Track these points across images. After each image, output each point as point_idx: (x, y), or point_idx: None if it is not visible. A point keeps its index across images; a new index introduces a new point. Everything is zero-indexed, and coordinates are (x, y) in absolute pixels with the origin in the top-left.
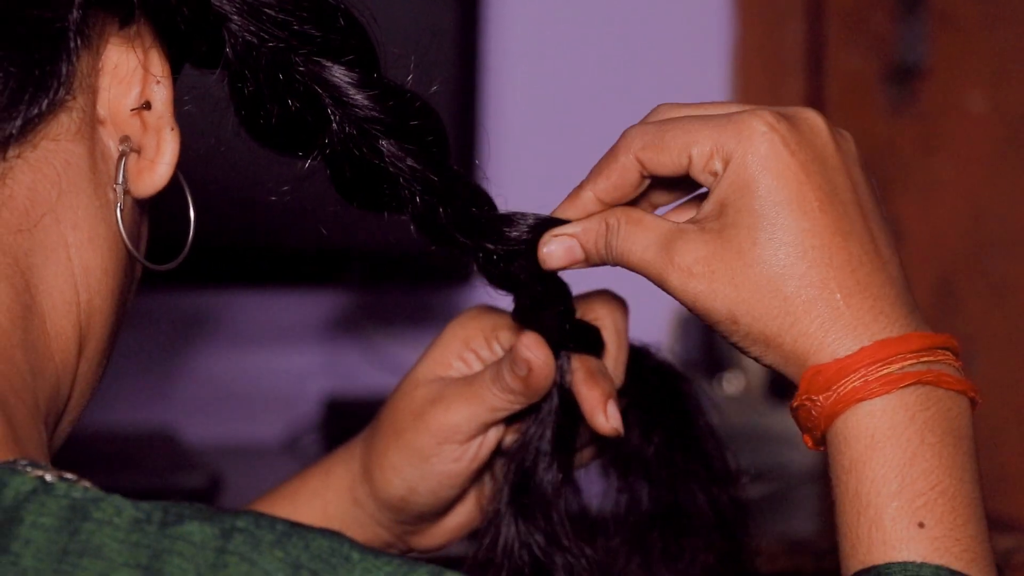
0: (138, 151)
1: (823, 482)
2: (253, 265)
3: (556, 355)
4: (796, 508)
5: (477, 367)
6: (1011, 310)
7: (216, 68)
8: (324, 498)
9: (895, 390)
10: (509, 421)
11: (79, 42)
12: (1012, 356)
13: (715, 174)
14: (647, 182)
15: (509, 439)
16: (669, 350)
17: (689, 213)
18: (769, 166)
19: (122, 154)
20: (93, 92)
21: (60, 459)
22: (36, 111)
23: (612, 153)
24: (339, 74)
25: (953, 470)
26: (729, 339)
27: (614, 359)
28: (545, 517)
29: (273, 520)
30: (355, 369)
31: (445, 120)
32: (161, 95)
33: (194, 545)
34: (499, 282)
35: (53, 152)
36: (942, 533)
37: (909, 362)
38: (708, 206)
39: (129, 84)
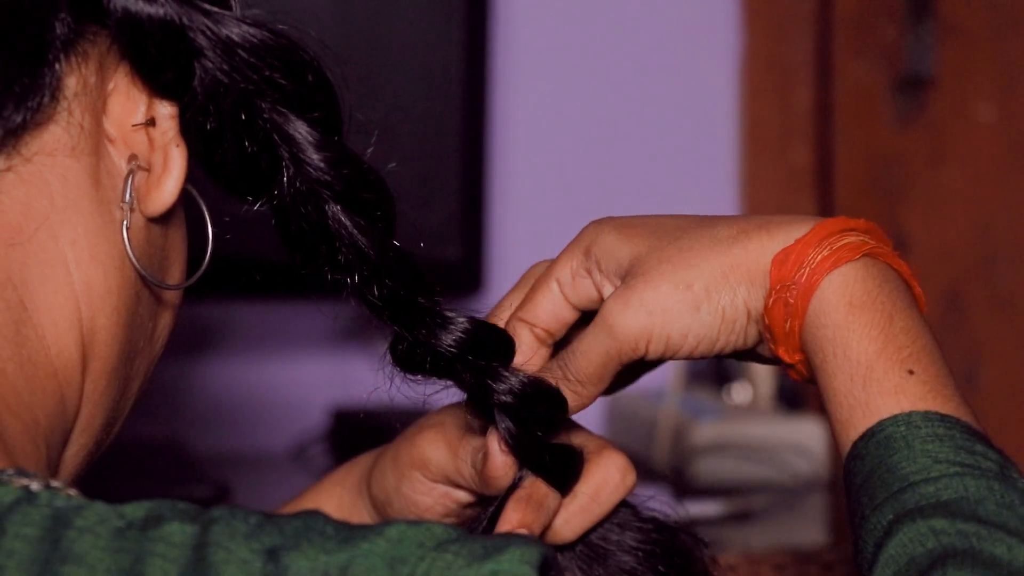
0: (147, 169)
1: (831, 492)
2: (260, 276)
3: (529, 464)
4: (804, 518)
5: None
6: (1018, 321)
7: (179, 99)
8: (343, 485)
9: (859, 257)
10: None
11: (67, 56)
12: (1019, 367)
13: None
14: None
15: (471, 512)
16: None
17: None
18: None
19: (129, 172)
20: (98, 110)
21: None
22: (18, 120)
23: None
24: (300, 129)
25: (926, 331)
26: (705, 302)
27: (573, 512)
28: None
29: (247, 513)
30: (363, 380)
31: (453, 126)
32: (165, 112)
33: (175, 546)
34: (415, 370)
35: (48, 167)
36: (929, 379)
37: (857, 236)
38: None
39: (135, 102)
